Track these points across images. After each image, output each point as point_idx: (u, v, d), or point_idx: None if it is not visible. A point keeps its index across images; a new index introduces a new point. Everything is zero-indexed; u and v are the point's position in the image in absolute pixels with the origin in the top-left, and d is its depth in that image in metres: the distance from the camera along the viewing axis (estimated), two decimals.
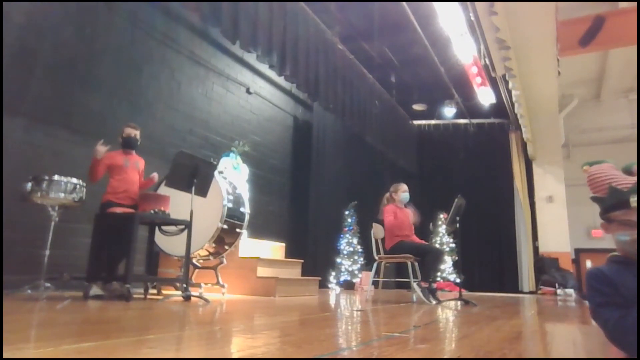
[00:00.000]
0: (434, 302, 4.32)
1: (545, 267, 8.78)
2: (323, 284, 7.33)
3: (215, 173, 4.18)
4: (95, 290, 3.47)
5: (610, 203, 1.49)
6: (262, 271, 4.79)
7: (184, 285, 3.53)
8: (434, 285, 4.58)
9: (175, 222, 3.85)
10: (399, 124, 9.32)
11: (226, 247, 4.64)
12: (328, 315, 2.98)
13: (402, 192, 4.88)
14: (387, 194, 4.97)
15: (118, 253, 3.85)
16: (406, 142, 9.80)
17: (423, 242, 4.89)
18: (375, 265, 4.83)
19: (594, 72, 8.98)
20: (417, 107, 10.12)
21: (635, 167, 1.63)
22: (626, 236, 1.40)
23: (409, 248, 4.61)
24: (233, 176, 5.21)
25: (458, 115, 9.93)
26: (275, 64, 5.10)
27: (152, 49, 5.27)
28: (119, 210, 3.76)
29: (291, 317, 2.75)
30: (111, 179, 3.87)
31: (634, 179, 1.53)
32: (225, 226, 4.43)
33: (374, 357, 1.43)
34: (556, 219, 9.17)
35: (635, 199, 1.44)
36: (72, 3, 4.36)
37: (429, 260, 4.56)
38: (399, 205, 4.83)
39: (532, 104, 8.12)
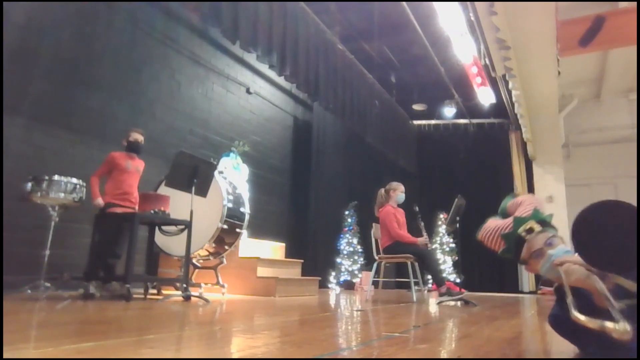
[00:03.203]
0: (457, 299, 4.28)
1: None
2: (323, 284, 7.33)
3: (215, 173, 4.19)
4: (90, 289, 3.47)
5: (513, 248, 1.50)
6: (262, 271, 4.79)
7: (184, 285, 3.53)
8: (444, 288, 4.52)
9: (175, 222, 3.86)
10: (399, 124, 9.31)
11: (226, 247, 4.65)
12: (328, 315, 2.98)
13: (401, 192, 4.90)
14: (383, 190, 4.97)
15: (118, 252, 3.86)
16: (406, 142, 9.78)
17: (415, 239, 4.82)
18: (375, 265, 4.83)
19: (594, 72, 8.97)
20: (417, 107, 10.12)
21: (510, 202, 1.67)
22: (547, 263, 1.38)
23: (405, 250, 4.63)
24: (233, 176, 5.21)
25: (458, 115, 9.92)
26: (275, 64, 5.09)
27: (152, 49, 5.27)
28: (119, 210, 3.76)
29: (291, 317, 2.75)
30: (110, 180, 3.88)
31: (511, 218, 1.57)
32: (225, 226, 4.43)
33: (374, 357, 1.43)
34: (556, 219, 9.09)
35: (526, 226, 1.48)
36: (72, 3, 4.36)
37: (428, 265, 4.59)
38: (393, 205, 4.85)
39: (532, 104, 8.11)
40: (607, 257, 1.15)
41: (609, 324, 1.05)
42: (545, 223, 1.50)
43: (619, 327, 1.03)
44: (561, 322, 1.44)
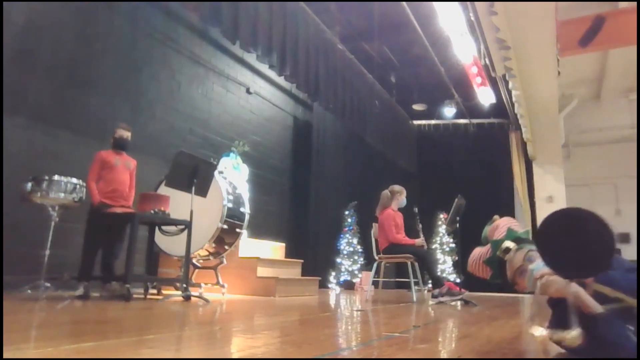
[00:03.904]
0: (452, 298, 4.33)
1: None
2: (323, 284, 7.33)
3: (215, 173, 4.19)
4: (80, 290, 3.47)
5: (498, 272, 1.55)
6: (262, 271, 4.79)
7: (184, 285, 3.53)
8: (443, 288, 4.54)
9: (175, 222, 3.86)
10: (398, 124, 9.31)
11: (226, 247, 4.65)
12: (328, 315, 2.98)
13: (405, 197, 4.96)
14: (388, 192, 4.98)
15: (115, 252, 3.87)
16: (406, 142, 9.78)
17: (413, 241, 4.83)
18: (375, 265, 4.84)
19: (594, 72, 8.97)
20: (417, 107, 10.12)
21: (489, 229, 1.74)
22: (531, 278, 1.39)
23: (403, 251, 4.65)
24: (233, 176, 5.21)
25: (458, 115, 9.92)
26: (275, 64, 5.10)
27: (152, 49, 5.27)
28: (110, 209, 3.75)
29: (291, 317, 2.75)
30: (101, 179, 3.83)
31: (484, 247, 1.63)
32: (225, 226, 4.43)
33: (374, 357, 1.43)
34: None
35: (503, 246, 1.52)
36: (72, 3, 4.36)
37: (427, 266, 4.60)
38: (394, 208, 4.88)
39: (532, 104, 8.11)
40: (571, 264, 1.15)
41: (558, 334, 1.06)
42: (520, 240, 1.52)
43: (570, 335, 1.04)
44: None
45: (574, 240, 1.15)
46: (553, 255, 1.18)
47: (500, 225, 1.66)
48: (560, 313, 1.27)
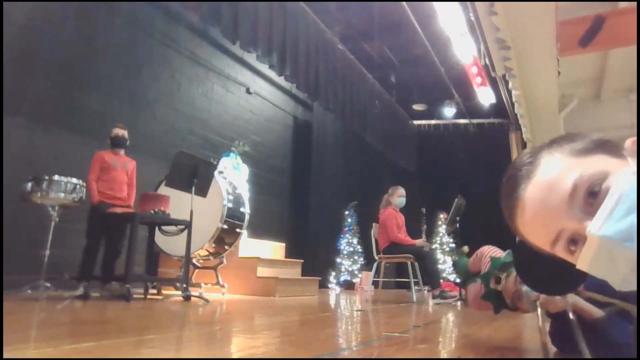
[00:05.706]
0: (450, 300, 4.38)
1: None
2: (323, 284, 7.33)
3: (215, 173, 4.19)
4: (80, 290, 3.47)
5: (499, 303, 1.59)
6: (262, 271, 4.79)
7: (184, 285, 3.53)
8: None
9: (175, 222, 3.86)
10: (399, 124, 9.32)
11: (226, 247, 4.65)
12: (328, 315, 2.98)
13: (398, 197, 4.96)
14: (387, 195, 5.02)
15: (118, 251, 3.87)
16: (406, 142, 9.79)
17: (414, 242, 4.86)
18: (375, 265, 4.84)
19: (594, 72, 8.97)
20: (417, 107, 10.12)
21: (470, 261, 1.82)
22: (528, 300, 1.39)
23: (403, 251, 4.66)
24: (233, 176, 5.21)
25: (458, 115, 9.93)
26: (275, 64, 5.10)
27: (152, 49, 5.27)
28: (111, 210, 3.75)
29: (291, 317, 2.75)
30: (99, 179, 3.85)
31: (477, 283, 1.66)
32: (225, 226, 4.43)
33: (374, 357, 1.43)
34: None
35: (492, 278, 1.55)
36: (72, 3, 4.36)
37: (424, 266, 4.62)
38: (395, 209, 4.89)
39: (532, 104, 8.10)
40: (553, 281, 1.14)
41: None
42: (506, 265, 1.53)
43: None
44: (561, 339, 1.43)
45: (550, 256, 1.13)
46: (534, 278, 1.16)
47: (483, 256, 1.68)
48: (559, 323, 1.28)
